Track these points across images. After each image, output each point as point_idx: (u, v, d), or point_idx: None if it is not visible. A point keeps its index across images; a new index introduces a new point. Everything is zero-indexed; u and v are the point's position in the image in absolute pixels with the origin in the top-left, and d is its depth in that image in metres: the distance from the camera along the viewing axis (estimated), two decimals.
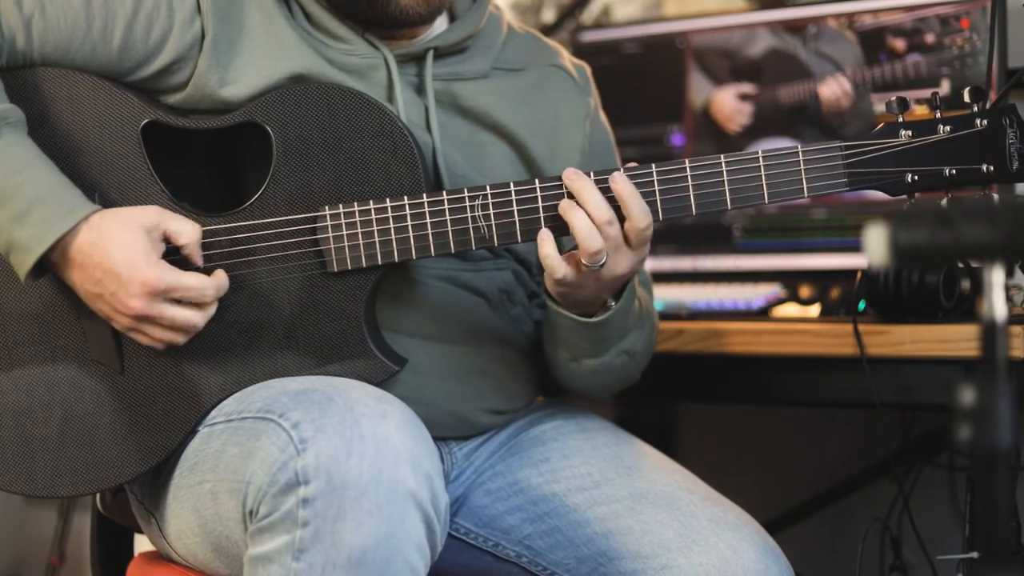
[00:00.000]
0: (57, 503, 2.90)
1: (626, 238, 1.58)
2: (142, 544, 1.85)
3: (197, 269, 1.58)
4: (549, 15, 2.79)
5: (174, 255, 1.57)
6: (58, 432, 1.61)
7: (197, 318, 1.56)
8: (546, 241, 1.59)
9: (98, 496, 1.85)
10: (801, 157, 1.60)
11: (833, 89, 2.16)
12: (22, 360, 1.62)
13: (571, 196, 1.59)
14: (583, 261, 1.57)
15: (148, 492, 1.69)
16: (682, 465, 1.78)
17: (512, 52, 1.82)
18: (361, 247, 1.61)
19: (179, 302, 1.55)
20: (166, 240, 1.56)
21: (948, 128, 1.58)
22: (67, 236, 1.52)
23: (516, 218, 1.60)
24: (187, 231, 1.57)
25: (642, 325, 1.75)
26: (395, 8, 1.67)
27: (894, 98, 1.59)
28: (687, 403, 2.58)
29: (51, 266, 1.55)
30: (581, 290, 1.61)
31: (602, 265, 1.57)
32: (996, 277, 1.07)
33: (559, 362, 1.76)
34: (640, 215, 1.57)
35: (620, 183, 1.58)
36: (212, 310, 1.58)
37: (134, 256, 1.53)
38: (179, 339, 1.57)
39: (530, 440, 1.79)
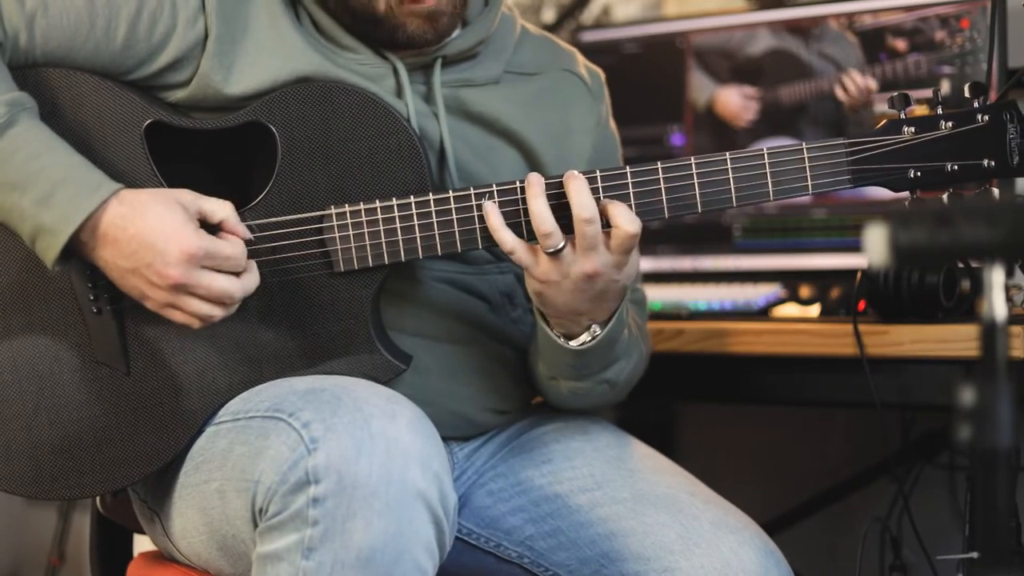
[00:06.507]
0: (57, 503, 2.90)
1: (609, 241, 1.57)
2: (142, 544, 1.85)
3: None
4: (549, 15, 2.79)
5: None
6: (63, 434, 1.61)
7: (234, 287, 1.54)
8: (492, 213, 1.58)
9: (98, 496, 1.85)
10: (806, 154, 1.60)
11: (851, 86, 2.16)
12: (27, 364, 1.61)
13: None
14: (541, 247, 1.56)
15: (152, 491, 1.69)
16: (681, 465, 1.78)
17: (525, 55, 1.81)
18: (368, 247, 1.61)
19: (216, 272, 1.53)
20: (201, 220, 1.55)
21: (950, 124, 1.58)
22: (96, 213, 1.51)
23: (522, 218, 1.60)
24: (221, 208, 1.56)
25: (629, 355, 1.73)
26: (402, 34, 1.66)
27: (896, 94, 1.59)
28: (687, 403, 2.58)
29: (80, 247, 1.53)
30: (554, 289, 1.58)
31: (560, 250, 1.55)
32: (996, 277, 1.07)
33: (539, 378, 1.76)
34: (625, 220, 1.55)
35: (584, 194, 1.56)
36: (251, 281, 1.56)
37: (170, 224, 1.51)
38: (217, 312, 1.54)
39: (532, 441, 1.79)
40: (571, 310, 1.61)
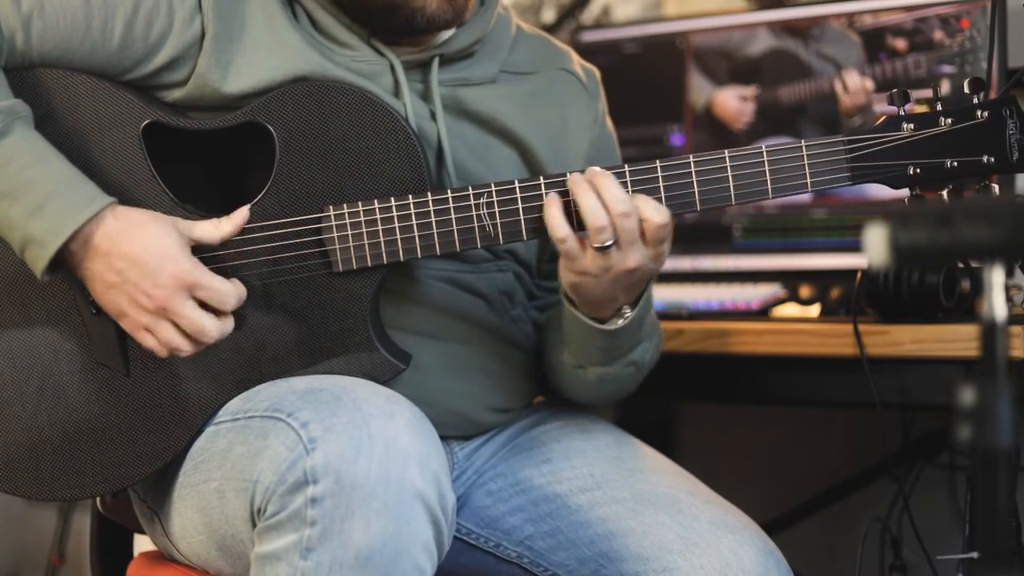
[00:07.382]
0: (57, 503, 2.90)
1: (643, 235, 1.57)
2: (142, 544, 1.85)
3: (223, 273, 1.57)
4: (549, 15, 2.79)
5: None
6: (63, 436, 1.61)
7: (212, 327, 1.53)
8: (554, 202, 1.58)
9: (98, 496, 1.85)
10: (804, 151, 1.59)
11: (849, 85, 2.16)
12: (26, 365, 1.61)
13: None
14: (591, 242, 1.56)
15: (152, 491, 1.69)
16: (681, 465, 1.78)
17: (521, 55, 1.81)
18: (366, 247, 1.61)
19: (201, 306, 1.54)
20: (193, 248, 1.56)
21: (950, 120, 1.58)
22: (91, 224, 1.51)
23: (521, 216, 1.60)
24: (212, 233, 1.57)
25: (651, 338, 1.74)
26: (421, 17, 1.65)
27: (895, 90, 1.59)
28: (687, 403, 2.58)
29: (68, 258, 1.53)
30: (593, 281, 1.59)
31: (608, 246, 1.56)
32: (996, 277, 1.07)
33: (563, 368, 1.75)
34: (652, 212, 1.56)
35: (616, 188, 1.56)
36: (228, 326, 1.56)
37: (166, 247, 1.52)
38: (186, 348, 1.54)
39: (532, 440, 1.79)
40: (607, 299, 1.62)
